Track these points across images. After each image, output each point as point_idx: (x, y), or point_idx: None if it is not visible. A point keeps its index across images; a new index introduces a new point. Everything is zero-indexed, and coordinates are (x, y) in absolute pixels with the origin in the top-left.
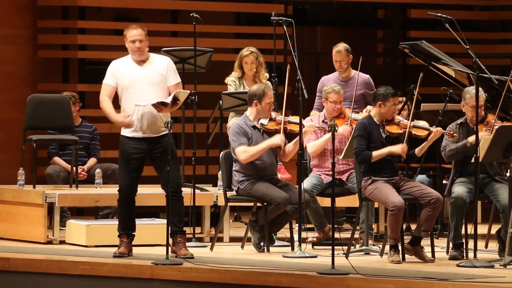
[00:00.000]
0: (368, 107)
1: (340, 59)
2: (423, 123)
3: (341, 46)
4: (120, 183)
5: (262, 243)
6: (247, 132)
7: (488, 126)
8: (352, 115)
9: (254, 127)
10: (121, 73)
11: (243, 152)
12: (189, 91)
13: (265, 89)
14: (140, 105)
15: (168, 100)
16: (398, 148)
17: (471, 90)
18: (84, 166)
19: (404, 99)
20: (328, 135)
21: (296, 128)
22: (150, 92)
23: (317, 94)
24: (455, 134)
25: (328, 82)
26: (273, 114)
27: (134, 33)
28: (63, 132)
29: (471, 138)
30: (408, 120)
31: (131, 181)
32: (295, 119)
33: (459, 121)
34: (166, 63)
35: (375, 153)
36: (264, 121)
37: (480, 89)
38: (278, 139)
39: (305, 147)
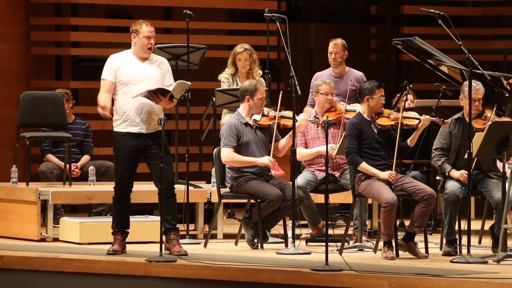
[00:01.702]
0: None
1: (336, 51)
2: (412, 113)
3: (339, 40)
4: (117, 181)
5: (255, 240)
6: (239, 131)
7: (485, 121)
8: (344, 107)
9: (247, 124)
10: (122, 68)
11: (227, 155)
12: (189, 83)
13: (256, 84)
14: (137, 95)
15: (170, 88)
16: (385, 175)
17: (472, 83)
18: (77, 163)
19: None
20: (319, 148)
21: (289, 123)
22: (149, 87)
23: (311, 90)
24: (445, 121)
25: (322, 78)
26: (266, 110)
27: (150, 29)
28: (56, 129)
29: (454, 173)
30: (399, 112)
31: (127, 179)
32: (288, 113)
33: (456, 116)
34: (166, 63)
35: (364, 166)
36: (257, 117)
37: (479, 83)
38: (266, 159)
39: (296, 146)
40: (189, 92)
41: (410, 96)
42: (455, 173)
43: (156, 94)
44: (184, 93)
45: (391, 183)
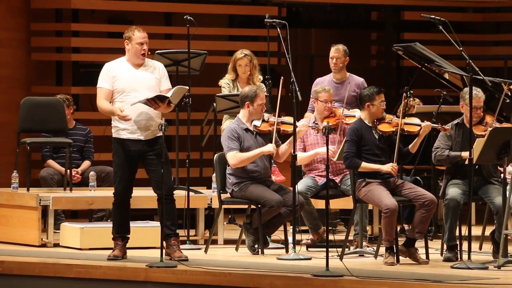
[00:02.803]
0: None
1: (337, 56)
2: (413, 119)
3: (340, 45)
4: (116, 187)
5: (256, 246)
6: (239, 136)
7: (486, 127)
8: (343, 112)
9: (247, 129)
10: (117, 75)
11: (234, 157)
12: (187, 88)
13: (256, 90)
14: (135, 102)
15: (168, 94)
16: (388, 167)
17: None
18: (78, 168)
19: (416, 100)
20: (316, 150)
21: (289, 129)
22: (146, 95)
23: (311, 96)
24: (447, 127)
25: (323, 84)
26: (266, 116)
27: (142, 35)
28: (57, 135)
29: (465, 154)
30: (400, 118)
31: (127, 184)
32: (288, 119)
33: (455, 121)
34: (161, 67)
35: (364, 165)
36: (257, 122)
37: (480, 90)
38: (270, 147)
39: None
40: (189, 98)
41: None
42: (467, 154)
43: (154, 101)
44: (184, 98)
45: (391, 183)
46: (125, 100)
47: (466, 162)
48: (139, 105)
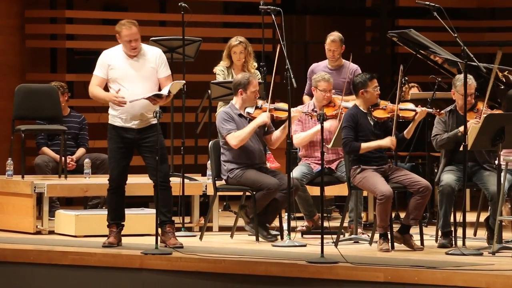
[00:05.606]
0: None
1: (334, 48)
2: (408, 105)
3: (336, 36)
4: (111, 173)
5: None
6: (233, 118)
7: (478, 113)
8: (342, 103)
9: (241, 115)
10: (112, 65)
11: (233, 138)
12: (183, 82)
13: (249, 77)
14: (134, 100)
15: (164, 91)
16: (387, 142)
17: (462, 77)
18: (72, 156)
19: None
20: (316, 128)
21: (282, 115)
22: (140, 86)
23: (308, 80)
24: (442, 112)
25: (318, 69)
26: (260, 102)
27: (129, 33)
28: (51, 122)
29: (463, 128)
30: (395, 104)
31: (121, 171)
32: (282, 105)
33: (448, 108)
34: (158, 55)
35: (364, 145)
36: (250, 109)
37: (471, 76)
38: (264, 116)
39: (291, 136)
40: (184, 85)
41: (415, 89)
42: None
43: (154, 100)
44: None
45: (386, 170)
46: (120, 89)
47: (461, 148)
48: (133, 95)
